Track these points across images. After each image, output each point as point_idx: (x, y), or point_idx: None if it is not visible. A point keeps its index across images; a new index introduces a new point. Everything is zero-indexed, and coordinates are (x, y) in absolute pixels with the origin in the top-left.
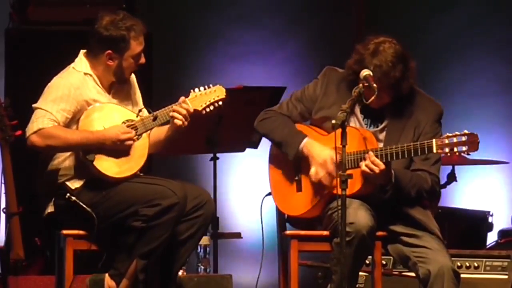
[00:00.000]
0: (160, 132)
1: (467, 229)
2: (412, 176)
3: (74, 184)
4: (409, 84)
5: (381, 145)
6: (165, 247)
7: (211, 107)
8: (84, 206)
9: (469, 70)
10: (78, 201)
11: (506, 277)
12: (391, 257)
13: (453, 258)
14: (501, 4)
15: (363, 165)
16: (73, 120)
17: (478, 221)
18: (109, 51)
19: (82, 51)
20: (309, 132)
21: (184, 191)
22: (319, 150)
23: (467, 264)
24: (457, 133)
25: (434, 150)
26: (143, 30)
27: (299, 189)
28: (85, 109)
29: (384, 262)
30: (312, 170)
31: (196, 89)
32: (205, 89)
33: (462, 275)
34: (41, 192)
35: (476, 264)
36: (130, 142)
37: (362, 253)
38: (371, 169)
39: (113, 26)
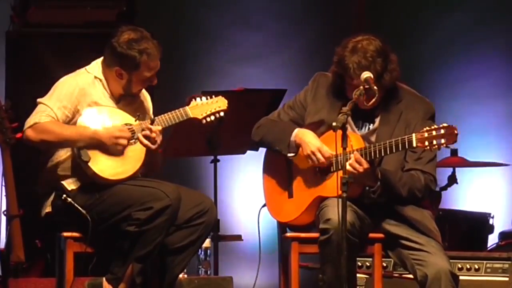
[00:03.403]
0: None
1: (468, 231)
2: (402, 176)
3: (71, 186)
4: (392, 77)
5: None
6: (165, 252)
7: (212, 117)
8: (79, 208)
9: (471, 72)
10: (73, 202)
11: (506, 279)
12: (391, 259)
13: (454, 260)
14: (504, 6)
15: (347, 164)
16: (73, 120)
17: (479, 223)
18: (118, 67)
19: (101, 58)
20: None
21: (178, 193)
22: (311, 137)
23: (468, 266)
24: (436, 126)
25: (414, 144)
26: (158, 55)
27: (290, 195)
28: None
29: (384, 264)
30: (301, 172)
31: (198, 99)
32: (207, 99)
33: (462, 277)
34: (40, 192)
35: (476, 266)
36: (124, 141)
37: (349, 251)
38: (354, 168)
39: (126, 44)
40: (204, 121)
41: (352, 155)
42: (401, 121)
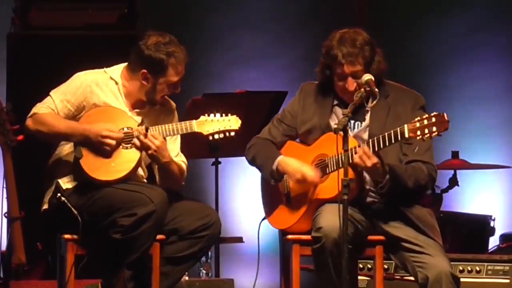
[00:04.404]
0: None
1: (469, 234)
2: (407, 168)
3: (66, 184)
4: (379, 69)
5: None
6: (165, 260)
7: (221, 135)
8: (71, 208)
9: (473, 74)
10: (66, 202)
11: (507, 281)
12: (393, 262)
13: (455, 262)
14: (506, 9)
15: (356, 157)
16: (78, 116)
17: (480, 226)
18: (145, 70)
19: (124, 64)
20: (296, 148)
21: (163, 196)
22: (295, 166)
23: (469, 268)
24: (426, 115)
25: (406, 135)
26: (185, 60)
27: (288, 202)
28: (90, 109)
29: (386, 266)
30: (294, 185)
31: (212, 115)
32: (221, 115)
33: (464, 279)
34: (44, 187)
35: (478, 268)
36: (111, 141)
37: (341, 258)
38: (363, 161)
39: (154, 47)
40: (210, 137)
41: (359, 148)
42: (391, 115)
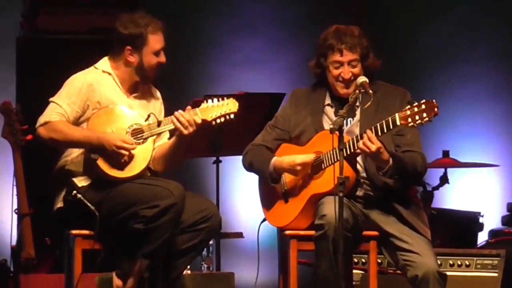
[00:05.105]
0: (163, 146)
1: (459, 229)
2: (405, 155)
3: (81, 182)
4: (374, 63)
5: None
6: (166, 253)
7: (222, 119)
8: (88, 204)
9: (463, 74)
10: (83, 198)
11: (496, 275)
12: None
13: (445, 257)
14: (495, 11)
15: (360, 143)
16: (84, 115)
17: (469, 222)
18: (128, 47)
19: (107, 56)
20: (291, 149)
21: (182, 190)
22: (288, 160)
23: (459, 263)
24: (416, 103)
25: (398, 122)
26: (161, 28)
27: (286, 201)
28: (95, 107)
29: (379, 261)
30: (294, 178)
31: (210, 101)
32: (218, 100)
33: (454, 273)
34: (52, 188)
35: (467, 263)
36: (124, 152)
37: (342, 246)
38: (367, 147)
39: (131, 23)
40: (213, 122)
41: (364, 135)
42: (380, 109)
